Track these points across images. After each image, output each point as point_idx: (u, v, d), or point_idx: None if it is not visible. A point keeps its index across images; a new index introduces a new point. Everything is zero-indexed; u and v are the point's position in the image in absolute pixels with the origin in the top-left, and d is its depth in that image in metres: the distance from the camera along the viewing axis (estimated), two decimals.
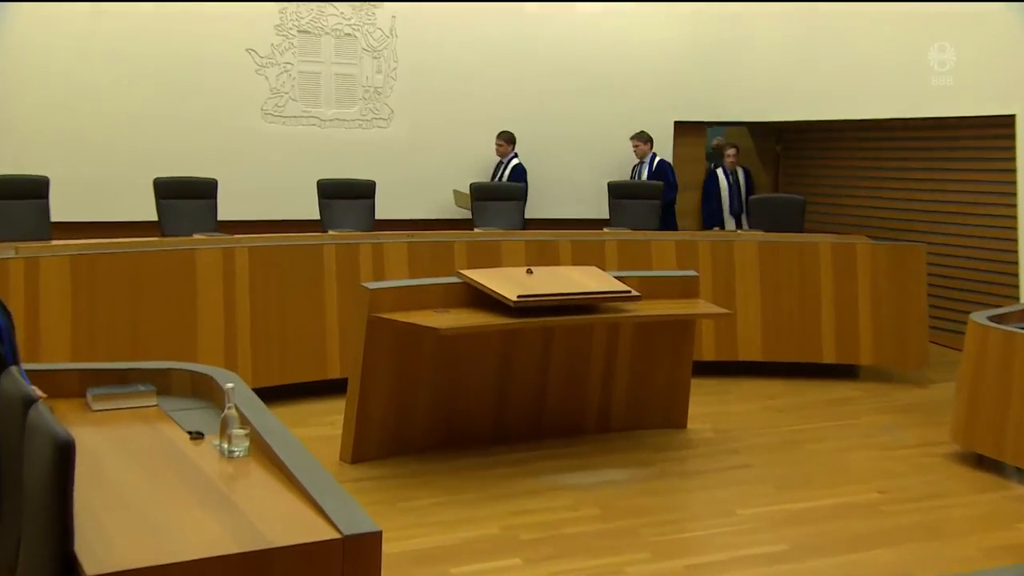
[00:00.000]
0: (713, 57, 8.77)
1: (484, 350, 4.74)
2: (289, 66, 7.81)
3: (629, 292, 4.68)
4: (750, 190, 8.46)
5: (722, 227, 8.29)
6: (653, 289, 5.02)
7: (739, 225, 8.25)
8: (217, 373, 3.20)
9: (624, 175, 8.41)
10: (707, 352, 6.32)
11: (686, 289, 5.17)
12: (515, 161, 8.07)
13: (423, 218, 7.98)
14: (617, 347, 5.07)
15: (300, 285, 5.62)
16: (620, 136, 8.57)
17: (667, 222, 7.81)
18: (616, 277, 4.89)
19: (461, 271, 4.75)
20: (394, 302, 4.45)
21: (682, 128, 8.92)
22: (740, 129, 9.53)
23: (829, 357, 6.38)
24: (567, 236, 6.50)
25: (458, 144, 8.16)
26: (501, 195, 7.68)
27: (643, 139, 8.28)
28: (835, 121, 8.38)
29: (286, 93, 7.82)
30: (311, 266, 5.67)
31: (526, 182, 7.89)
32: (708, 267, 6.35)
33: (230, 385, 2.72)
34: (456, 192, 7.95)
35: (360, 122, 8.09)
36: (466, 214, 7.77)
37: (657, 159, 8.21)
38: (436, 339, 4.43)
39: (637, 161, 8.27)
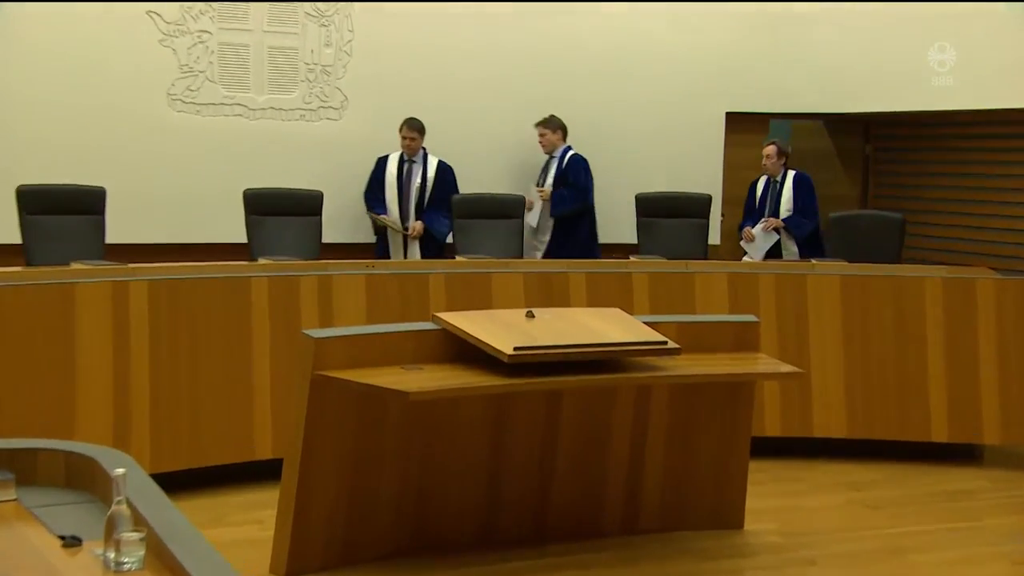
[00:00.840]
0: (776, 28, 8.88)
1: (469, 422, 4.72)
2: (206, 35, 7.88)
3: (664, 343, 4.68)
4: (805, 202, 8.36)
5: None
6: (698, 339, 5.01)
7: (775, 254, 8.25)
8: (102, 454, 3.18)
9: (661, 183, 8.48)
10: (771, 426, 6.32)
11: (742, 339, 5.17)
12: (570, 153, 8.14)
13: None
14: (648, 418, 5.06)
15: (219, 333, 5.61)
16: (655, 133, 8.64)
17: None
18: (646, 323, 4.89)
19: (438, 315, 4.74)
20: (347, 356, 4.44)
21: (736, 122, 9.01)
22: (814, 124, 9.61)
23: (939, 435, 6.37)
24: (581, 267, 6.53)
25: (436, 142, 8.24)
26: (492, 210, 7.73)
27: (552, 126, 8.31)
28: (947, 112, 8.46)
29: (201, 72, 7.88)
30: (234, 307, 5.67)
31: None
32: (771, 309, 6.37)
33: (120, 471, 2.71)
34: (373, 216, 7.94)
35: (303, 112, 8.15)
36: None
37: (570, 154, 8.26)
38: (404, 406, 4.42)
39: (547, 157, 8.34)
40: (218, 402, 5.58)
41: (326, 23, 8.16)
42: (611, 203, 8.59)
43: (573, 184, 8.12)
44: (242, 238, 7.29)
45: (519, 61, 8.59)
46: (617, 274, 6.45)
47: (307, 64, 8.13)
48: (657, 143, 8.83)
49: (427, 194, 7.88)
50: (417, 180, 7.87)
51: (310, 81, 8.14)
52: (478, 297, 6.10)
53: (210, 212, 7.82)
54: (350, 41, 8.21)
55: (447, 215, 7.77)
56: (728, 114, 8.91)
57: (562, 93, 8.61)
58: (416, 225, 7.83)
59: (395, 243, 7.87)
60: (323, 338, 4.45)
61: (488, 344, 4.44)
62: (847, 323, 6.43)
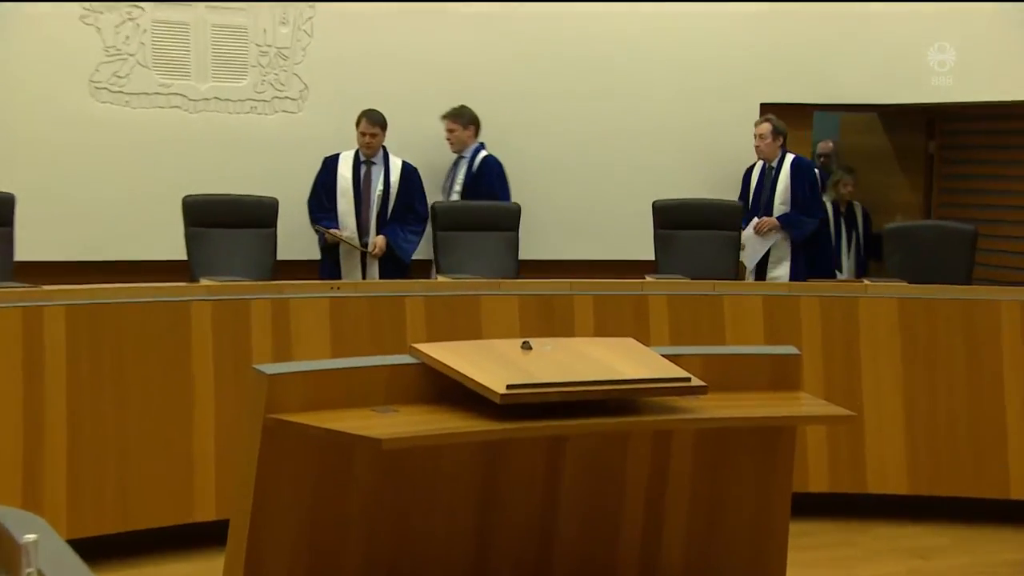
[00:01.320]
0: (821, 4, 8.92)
1: (453, 475, 4.70)
2: (136, 11, 7.89)
3: (687, 380, 4.65)
4: (805, 194, 8.38)
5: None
6: (727, 375, 4.98)
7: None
8: (8, 516, 3.15)
9: (682, 188, 8.47)
10: (816, 480, 6.31)
11: (781, 376, 5.15)
12: (482, 153, 8.08)
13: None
14: (668, 471, 5.03)
15: (152, 369, 5.59)
16: (676, 129, 8.64)
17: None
18: (665, 356, 4.86)
19: (416, 346, 4.72)
20: (307, 396, 4.41)
21: (772, 112, 9.00)
22: (867, 116, 9.63)
23: (1019, 491, 6.36)
24: (587, 288, 6.51)
25: (412, 139, 8.25)
26: (481, 220, 7.71)
27: (462, 120, 8.26)
28: None
29: (132, 55, 7.88)
30: (171, 337, 5.66)
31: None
32: (816, 340, 6.37)
33: (30, 537, 2.69)
34: (322, 230, 7.79)
35: (254, 103, 8.15)
36: (423, 251, 7.80)
37: (482, 155, 8.25)
38: (375, 457, 4.40)
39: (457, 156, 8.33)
40: (150, 453, 5.55)
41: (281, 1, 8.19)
42: (624, 212, 8.59)
43: (488, 193, 8.05)
44: (181, 254, 7.28)
45: (518, 46, 8.62)
46: (631, 297, 6.44)
47: (259, 46, 8.13)
48: (678, 141, 8.83)
49: (390, 203, 7.79)
50: (378, 186, 7.71)
51: (262, 66, 8.14)
52: (464, 325, 6.11)
53: (142, 224, 7.80)
54: (310, 19, 8.21)
55: (414, 228, 7.69)
56: (763, 106, 8.92)
57: (563, 84, 8.62)
58: (378, 241, 7.69)
59: (348, 262, 7.73)
60: (278, 375, 4.42)
61: (476, 381, 4.41)
62: (907, 356, 6.42)
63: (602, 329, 6.21)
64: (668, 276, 7.18)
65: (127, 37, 7.84)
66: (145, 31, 7.86)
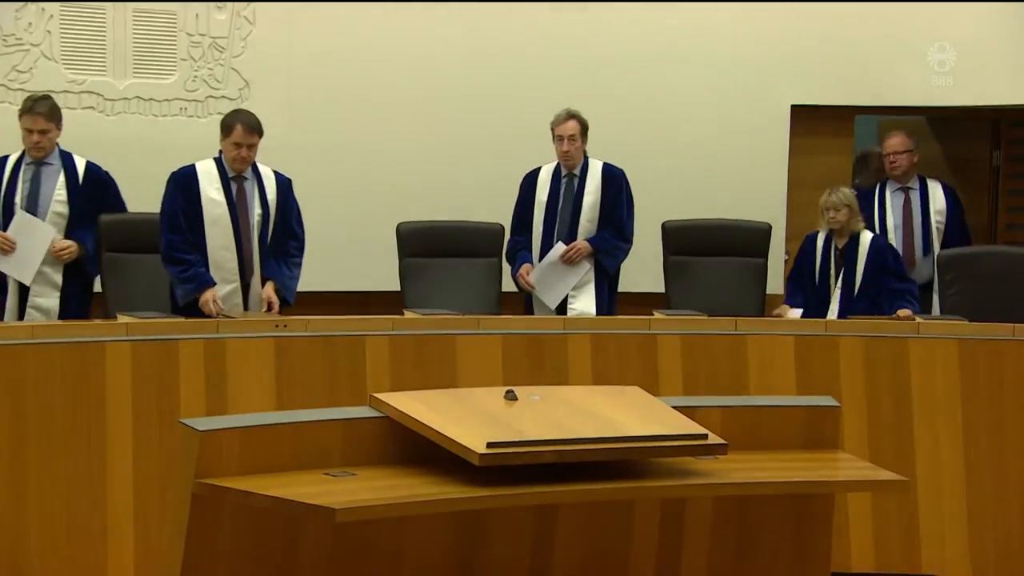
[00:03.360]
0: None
1: (423, 551, 4.68)
2: None
3: (704, 437, 4.65)
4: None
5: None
6: (752, 431, 5.01)
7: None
8: None
9: (698, 207, 8.47)
10: (860, 559, 6.30)
11: (817, 432, 5.16)
12: (597, 164, 7.79)
13: (308, 290, 7.98)
14: (682, 546, 5.03)
15: (57, 422, 5.57)
16: (690, 136, 8.67)
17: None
18: (678, 407, 4.87)
19: (379, 396, 4.71)
20: (247, 456, 4.40)
21: (806, 117, 9.04)
22: (915, 122, 9.64)
23: None
24: (584, 326, 6.53)
25: (379, 148, 8.34)
26: (456, 245, 7.70)
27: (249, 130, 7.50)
28: None
29: (35, 46, 7.87)
30: (81, 385, 5.64)
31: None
32: (859, 389, 6.38)
33: None
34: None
35: (184, 103, 8.15)
36: (389, 280, 7.77)
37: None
38: (328, 530, 4.39)
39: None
40: (54, 525, 5.51)
41: None
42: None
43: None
44: (95, 286, 7.27)
45: (503, 47, 8.68)
46: (636, 336, 6.44)
47: (190, 36, 8.14)
48: (693, 150, 8.84)
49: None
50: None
51: (194, 60, 8.15)
52: (436, 370, 6.11)
53: None
54: (251, 2, 8.21)
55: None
56: (795, 108, 8.94)
57: (555, 89, 8.62)
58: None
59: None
60: (212, 431, 4.39)
61: (451, 439, 4.41)
62: (969, 410, 6.43)
63: (602, 376, 6.22)
64: (681, 312, 7.16)
65: (30, 24, 7.85)
66: (52, 17, 7.87)
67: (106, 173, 7.41)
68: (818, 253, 7.95)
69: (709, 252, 7.99)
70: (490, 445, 4.35)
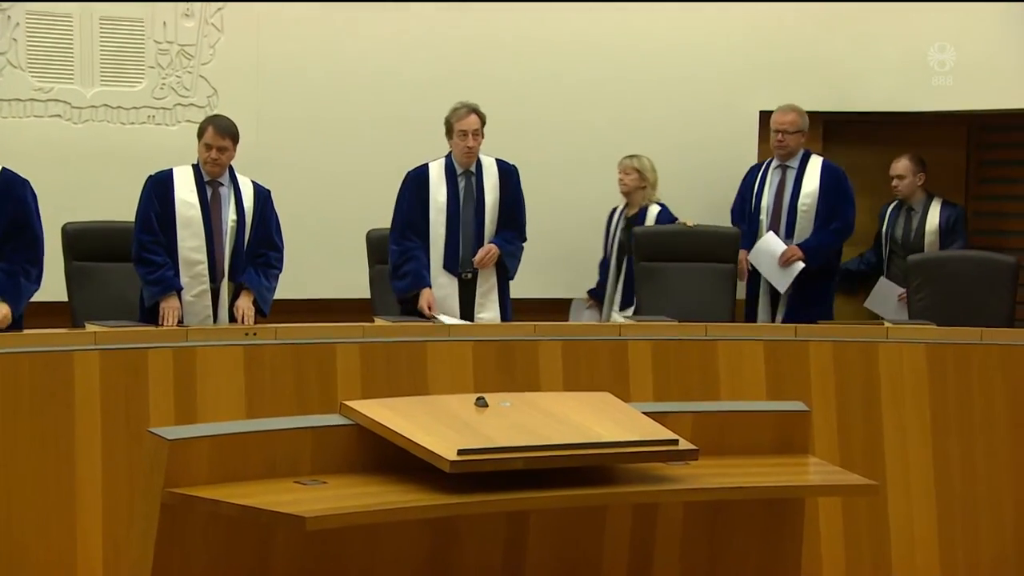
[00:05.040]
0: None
1: (394, 559, 4.68)
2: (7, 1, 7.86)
3: (675, 443, 4.67)
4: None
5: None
6: (723, 436, 5.02)
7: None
8: None
9: (672, 210, 8.48)
10: (831, 565, 6.29)
11: (787, 437, 5.17)
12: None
13: (280, 297, 7.97)
14: (652, 551, 5.03)
15: (25, 432, 5.54)
16: (657, 141, 8.68)
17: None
18: (648, 413, 4.88)
19: (349, 403, 4.71)
20: (217, 465, 4.39)
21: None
22: (888, 126, 9.68)
23: None
24: (555, 333, 6.52)
25: (348, 154, 8.34)
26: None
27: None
28: None
29: (1, 54, 7.84)
30: (48, 394, 5.61)
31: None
32: (828, 394, 6.39)
33: None
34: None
35: (152, 111, 8.12)
36: (359, 288, 7.75)
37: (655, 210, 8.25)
38: (299, 538, 4.38)
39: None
40: (22, 535, 5.48)
41: None
42: (597, 242, 8.58)
43: None
44: (61, 294, 7.24)
45: (472, 58, 8.70)
46: (607, 343, 6.44)
47: (158, 43, 8.11)
48: (660, 156, 8.83)
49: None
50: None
51: (162, 67, 8.12)
52: (407, 377, 6.10)
53: None
54: (220, 10, 8.21)
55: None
56: (763, 114, 8.95)
57: (523, 101, 8.67)
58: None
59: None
60: (180, 440, 4.39)
61: (421, 446, 4.41)
62: (938, 414, 6.45)
63: (573, 382, 6.21)
64: (651, 318, 7.17)
65: None
66: (17, 25, 7.84)
67: (20, 178, 6.74)
68: (612, 223, 8.50)
69: (678, 258, 7.98)
70: (461, 452, 4.36)
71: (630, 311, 8.20)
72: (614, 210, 8.60)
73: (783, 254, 7.95)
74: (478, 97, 7.71)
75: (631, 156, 8.50)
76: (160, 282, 6.72)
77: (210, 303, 6.87)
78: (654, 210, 8.44)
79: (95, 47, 7.99)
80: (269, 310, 7.01)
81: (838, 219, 8.13)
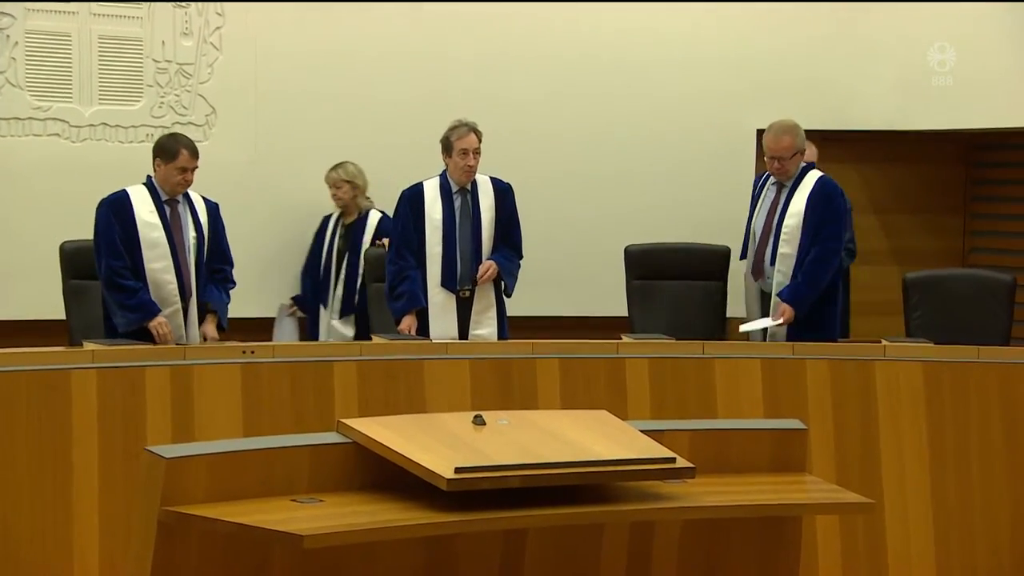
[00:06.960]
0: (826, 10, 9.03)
1: (393, 575, 4.68)
2: (6, 19, 7.87)
3: (672, 461, 4.67)
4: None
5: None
6: (720, 455, 5.01)
7: None
8: None
9: (662, 230, 8.48)
10: None
11: (784, 455, 5.17)
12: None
13: (269, 316, 7.97)
14: (650, 570, 5.01)
15: (21, 451, 5.54)
16: (652, 159, 8.69)
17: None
18: (646, 432, 4.88)
19: (346, 421, 4.71)
20: (214, 483, 4.38)
21: None
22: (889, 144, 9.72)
23: None
24: (552, 351, 6.51)
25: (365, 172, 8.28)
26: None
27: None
28: None
29: (0, 73, 7.84)
30: (46, 413, 5.60)
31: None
32: (826, 412, 6.38)
33: None
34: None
35: (151, 130, 8.12)
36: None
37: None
38: (295, 556, 4.37)
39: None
40: (20, 552, 5.48)
41: (183, 3, 8.17)
42: (592, 260, 8.59)
43: None
44: (59, 313, 7.25)
45: (468, 62, 8.74)
46: (604, 361, 6.44)
47: (156, 62, 8.12)
48: (655, 174, 8.86)
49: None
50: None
51: (161, 86, 8.13)
52: (404, 395, 6.09)
53: (11, 275, 7.74)
54: (218, 28, 8.22)
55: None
56: (760, 132, 8.96)
57: (519, 114, 8.69)
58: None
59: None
60: (178, 458, 4.38)
61: (418, 464, 4.41)
62: (935, 432, 6.44)
63: (570, 399, 6.21)
64: (649, 336, 7.16)
65: None
66: (16, 44, 7.84)
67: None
68: (328, 231, 8.44)
69: (673, 275, 7.98)
70: (458, 470, 4.35)
71: (351, 319, 8.28)
72: (327, 217, 8.51)
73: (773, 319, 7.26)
74: (473, 115, 7.74)
75: (335, 168, 8.36)
76: (141, 307, 6.64)
77: (182, 322, 6.80)
78: (375, 217, 8.39)
79: (94, 66, 7.99)
80: (227, 324, 6.97)
81: (819, 243, 7.25)
